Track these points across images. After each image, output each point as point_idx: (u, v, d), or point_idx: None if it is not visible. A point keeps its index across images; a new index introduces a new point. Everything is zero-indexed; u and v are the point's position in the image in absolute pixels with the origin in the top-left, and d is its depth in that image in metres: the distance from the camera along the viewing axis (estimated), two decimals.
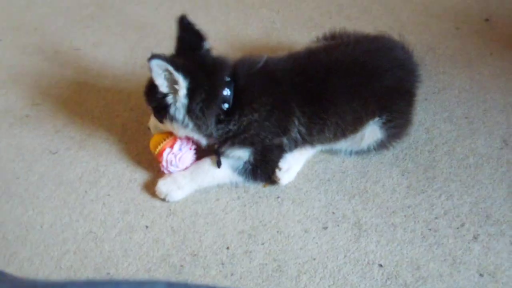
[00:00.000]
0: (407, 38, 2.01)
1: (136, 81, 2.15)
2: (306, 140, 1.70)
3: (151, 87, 1.59)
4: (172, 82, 1.54)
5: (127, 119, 1.99)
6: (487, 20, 2.36)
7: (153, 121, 1.76)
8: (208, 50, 1.67)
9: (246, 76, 1.64)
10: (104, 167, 1.84)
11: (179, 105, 1.57)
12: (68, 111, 2.04)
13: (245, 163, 1.69)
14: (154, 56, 1.46)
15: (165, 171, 1.73)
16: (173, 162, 1.70)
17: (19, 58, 2.32)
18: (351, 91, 1.67)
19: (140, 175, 1.80)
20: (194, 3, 2.57)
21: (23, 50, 2.37)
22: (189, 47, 1.64)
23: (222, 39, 2.34)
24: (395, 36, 1.97)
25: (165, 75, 1.52)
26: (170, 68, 1.48)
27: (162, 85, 1.54)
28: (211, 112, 1.59)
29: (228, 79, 1.62)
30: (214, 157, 1.72)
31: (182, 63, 1.53)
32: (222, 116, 1.61)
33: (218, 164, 1.69)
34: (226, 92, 1.60)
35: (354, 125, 1.71)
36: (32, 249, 1.62)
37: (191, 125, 1.61)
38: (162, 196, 1.71)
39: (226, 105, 1.60)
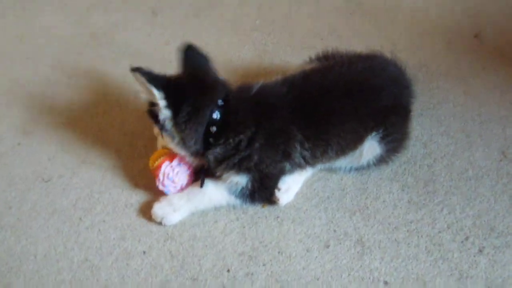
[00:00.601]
0: (399, 56, 2.01)
1: (130, 107, 2.14)
2: (310, 163, 1.69)
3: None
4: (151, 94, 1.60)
5: (121, 144, 1.97)
6: (476, 35, 2.39)
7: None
8: (213, 71, 1.75)
9: (238, 100, 1.66)
10: (98, 193, 1.80)
11: (163, 116, 1.62)
12: (60, 138, 2.01)
13: (242, 188, 1.66)
14: (133, 69, 1.59)
15: (160, 186, 1.71)
16: (170, 176, 1.69)
17: (10, 87, 2.30)
18: (349, 111, 1.66)
19: (136, 200, 1.76)
20: (186, 29, 2.59)
21: (14, 79, 2.35)
22: (193, 67, 1.71)
23: (215, 63, 2.33)
24: (387, 54, 1.98)
25: (145, 87, 1.60)
26: (143, 80, 1.57)
27: (144, 95, 1.64)
28: (196, 129, 1.61)
29: (221, 102, 1.63)
30: (208, 179, 1.70)
31: (160, 78, 1.61)
32: (211, 139, 1.62)
33: (201, 184, 1.68)
34: (216, 115, 1.61)
35: (354, 143, 1.70)
36: (26, 281, 1.57)
37: (177, 138, 1.64)
38: (158, 220, 1.67)
39: (214, 128, 1.61)
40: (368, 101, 1.69)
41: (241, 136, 1.60)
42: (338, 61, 1.86)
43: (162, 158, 1.72)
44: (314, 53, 2.28)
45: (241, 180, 1.65)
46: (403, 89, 1.80)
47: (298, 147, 1.64)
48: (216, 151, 1.63)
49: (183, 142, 1.64)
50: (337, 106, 1.66)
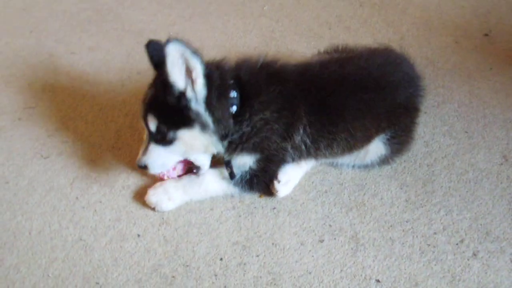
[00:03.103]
0: (407, 51, 1.99)
1: (132, 87, 2.12)
2: (311, 153, 1.65)
3: (159, 95, 1.50)
4: (189, 74, 1.45)
5: (121, 124, 1.95)
6: (486, 35, 2.36)
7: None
8: None
9: (249, 73, 1.58)
10: (96, 173, 1.79)
11: (199, 98, 1.48)
12: (61, 115, 2.00)
13: (243, 172, 1.65)
14: (171, 40, 1.37)
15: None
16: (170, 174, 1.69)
17: (13, 60, 2.29)
18: (363, 108, 1.61)
19: (133, 182, 1.76)
20: (193, 10, 2.55)
21: (17, 52, 2.33)
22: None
23: (220, 47, 2.32)
24: (395, 48, 1.95)
25: (182, 66, 1.43)
26: (188, 52, 1.40)
27: (179, 78, 1.45)
28: (225, 103, 1.51)
29: (231, 81, 1.55)
30: (210, 170, 1.67)
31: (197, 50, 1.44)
32: (232, 120, 1.54)
33: (231, 176, 1.63)
34: (233, 94, 1.53)
35: (362, 142, 1.67)
36: (19, 256, 1.57)
37: (210, 120, 1.50)
38: (152, 206, 1.66)
39: (234, 108, 1.53)
40: (384, 100, 1.63)
41: (265, 115, 1.53)
42: (357, 53, 1.78)
43: None
44: (321, 42, 2.26)
45: (249, 160, 1.62)
46: (417, 89, 1.73)
47: (301, 130, 1.58)
48: (242, 130, 1.55)
49: (217, 124, 1.52)
50: (351, 100, 1.60)
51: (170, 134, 1.52)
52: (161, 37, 2.35)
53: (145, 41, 2.34)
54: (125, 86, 2.13)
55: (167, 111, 1.51)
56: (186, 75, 1.46)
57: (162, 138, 1.54)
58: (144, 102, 1.56)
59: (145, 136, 1.60)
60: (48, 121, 1.99)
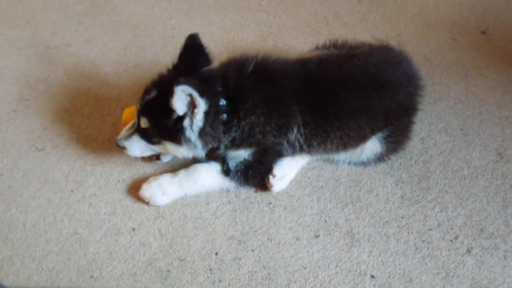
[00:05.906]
0: (404, 48, 1.98)
1: (128, 80, 2.11)
2: (305, 149, 1.66)
3: (160, 110, 1.54)
4: (191, 107, 1.50)
5: (117, 118, 1.94)
6: (483, 32, 2.36)
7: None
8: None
9: (236, 79, 1.59)
10: (91, 166, 1.78)
11: (195, 128, 1.54)
12: (57, 108, 1.99)
13: (237, 164, 1.65)
14: (180, 82, 1.43)
15: None
16: None
17: (8, 52, 2.26)
18: (360, 107, 1.61)
19: (128, 176, 1.75)
20: (191, 4, 2.54)
21: (13, 43, 2.31)
22: (191, 66, 1.60)
23: (217, 41, 2.31)
24: (393, 44, 1.94)
25: (187, 100, 1.49)
26: (195, 94, 1.46)
27: (181, 108, 1.51)
28: (218, 127, 1.56)
29: (220, 89, 1.57)
30: (206, 164, 1.68)
31: (203, 88, 1.49)
32: (222, 127, 1.58)
33: (227, 173, 1.65)
34: (222, 102, 1.55)
35: (357, 141, 1.67)
36: (13, 249, 1.56)
37: (200, 145, 1.58)
38: (146, 201, 1.66)
39: (224, 116, 1.56)
40: (382, 99, 1.62)
41: (251, 119, 1.56)
42: (357, 52, 1.75)
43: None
44: (318, 38, 2.25)
45: (245, 153, 1.64)
46: (416, 88, 1.72)
47: (295, 130, 1.60)
48: (232, 135, 1.59)
49: (205, 145, 1.59)
50: (347, 100, 1.60)
51: (156, 139, 1.60)
52: (158, 30, 2.37)
53: (142, 34, 2.35)
54: (121, 79, 2.12)
55: (161, 122, 1.56)
56: (188, 106, 1.51)
57: (148, 138, 1.61)
58: (143, 100, 1.58)
59: (135, 119, 1.63)
60: (43, 113, 1.97)
